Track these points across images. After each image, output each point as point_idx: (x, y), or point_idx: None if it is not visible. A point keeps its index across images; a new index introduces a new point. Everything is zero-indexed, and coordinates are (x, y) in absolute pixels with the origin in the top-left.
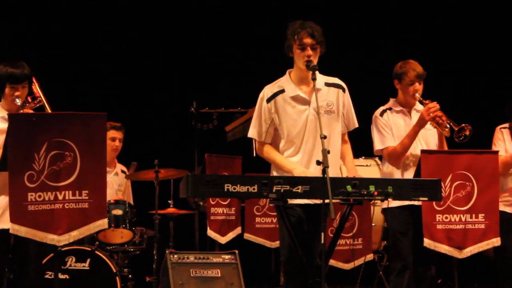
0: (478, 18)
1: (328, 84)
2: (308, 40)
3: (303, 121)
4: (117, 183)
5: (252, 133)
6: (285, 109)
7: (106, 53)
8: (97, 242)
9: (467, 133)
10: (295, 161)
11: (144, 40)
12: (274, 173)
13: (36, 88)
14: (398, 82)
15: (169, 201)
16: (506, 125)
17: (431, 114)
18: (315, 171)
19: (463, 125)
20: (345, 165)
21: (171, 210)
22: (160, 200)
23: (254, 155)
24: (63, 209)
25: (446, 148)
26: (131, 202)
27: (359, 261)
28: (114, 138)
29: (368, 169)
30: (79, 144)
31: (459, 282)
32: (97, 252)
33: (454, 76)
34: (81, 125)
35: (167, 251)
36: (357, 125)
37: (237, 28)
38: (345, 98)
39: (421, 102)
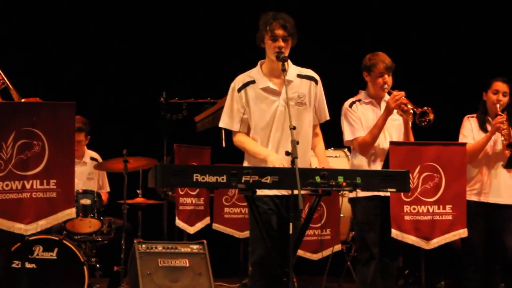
0: (449, 11)
1: (300, 76)
2: (280, 32)
3: (272, 112)
4: (86, 172)
5: (224, 123)
6: (255, 100)
7: (74, 41)
8: (65, 232)
9: (431, 117)
10: None
11: (113, 28)
12: (246, 164)
13: None
14: (367, 74)
15: (138, 191)
16: (474, 115)
17: (396, 102)
18: (286, 161)
19: (425, 108)
20: (316, 156)
21: (139, 200)
22: (128, 190)
23: (224, 145)
24: (31, 198)
25: (412, 136)
26: (107, 189)
27: (327, 252)
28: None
29: (337, 160)
30: (47, 133)
31: (426, 273)
32: (64, 242)
33: (426, 69)
34: (50, 114)
35: (135, 241)
36: (328, 118)
37: (207, 19)
38: (318, 90)
39: (389, 94)
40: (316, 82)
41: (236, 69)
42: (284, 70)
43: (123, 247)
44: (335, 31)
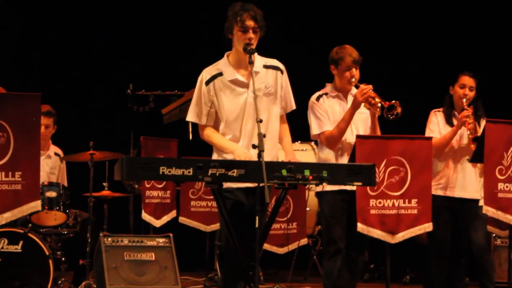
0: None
1: (266, 66)
2: (250, 23)
3: (242, 104)
4: (49, 165)
5: (191, 116)
6: (223, 92)
7: (41, 33)
8: (30, 225)
9: (399, 110)
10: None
11: (80, 20)
12: (215, 156)
13: None
14: (334, 67)
15: (104, 184)
16: (441, 109)
17: (364, 95)
18: (254, 153)
19: (393, 102)
20: (283, 149)
21: (105, 192)
22: (94, 182)
23: (191, 138)
24: None
25: (378, 130)
26: (65, 183)
27: (293, 246)
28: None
29: (304, 153)
30: (12, 125)
31: (391, 267)
32: (30, 235)
33: (393, 63)
34: (15, 106)
35: (101, 234)
36: (294, 107)
37: (174, 11)
38: (283, 80)
39: (357, 87)
40: (282, 71)
41: (204, 61)
42: (251, 63)
43: (89, 240)
44: (302, 23)
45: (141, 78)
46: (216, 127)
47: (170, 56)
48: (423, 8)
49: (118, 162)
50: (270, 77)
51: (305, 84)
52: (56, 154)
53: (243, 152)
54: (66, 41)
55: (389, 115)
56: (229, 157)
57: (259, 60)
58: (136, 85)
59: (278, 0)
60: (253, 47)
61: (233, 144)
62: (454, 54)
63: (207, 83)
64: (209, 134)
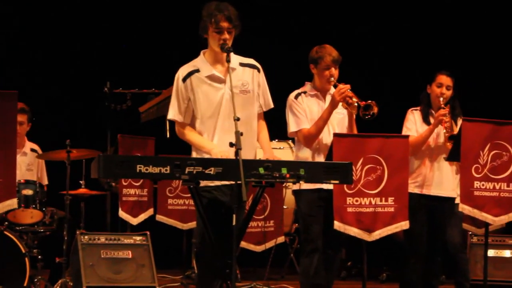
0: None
1: (242, 64)
2: (225, 24)
3: (219, 100)
4: (25, 162)
5: (171, 114)
6: (200, 88)
7: (15, 29)
8: (6, 222)
9: (375, 110)
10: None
11: (57, 17)
12: (194, 155)
13: None
14: (314, 66)
15: (81, 182)
16: (418, 108)
17: (342, 95)
18: (232, 152)
19: (370, 102)
20: (261, 147)
21: (82, 190)
22: (71, 180)
23: (168, 136)
24: None
25: (355, 129)
26: (45, 182)
27: (270, 243)
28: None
29: (281, 151)
30: None
31: (368, 264)
32: (6, 233)
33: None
34: None
35: (77, 232)
36: (272, 106)
37: (151, 9)
38: (260, 78)
39: (335, 87)
40: (258, 70)
41: (181, 59)
42: (228, 61)
43: (65, 238)
44: (281, 22)
45: (119, 76)
46: (192, 124)
47: (148, 54)
48: (400, 7)
49: (95, 160)
50: (247, 75)
51: (282, 82)
52: (32, 150)
53: (220, 151)
54: (42, 38)
55: (365, 115)
56: (207, 156)
57: (235, 58)
58: (113, 83)
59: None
60: (229, 46)
61: (210, 143)
62: (431, 53)
63: (184, 79)
64: (187, 133)
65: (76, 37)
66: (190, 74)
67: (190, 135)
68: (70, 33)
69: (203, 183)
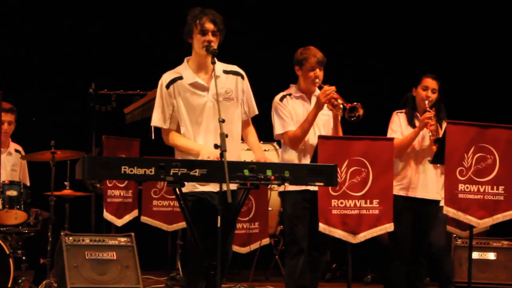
0: (379, 6)
1: (226, 72)
2: (209, 26)
3: (201, 108)
4: (10, 163)
5: (155, 121)
6: (183, 96)
7: (3, 30)
8: None
9: (360, 112)
10: None
11: (42, 18)
12: (179, 157)
13: None
14: (299, 68)
15: (65, 183)
16: (403, 110)
17: (327, 96)
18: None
19: (355, 103)
20: (251, 148)
21: (67, 191)
22: (56, 181)
23: (153, 137)
24: None
25: (340, 131)
26: (27, 183)
27: (255, 245)
28: (3, 121)
29: (266, 153)
30: None
31: (352, 267)
32: None
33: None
34: None
35: (62, 233)
36: (257, 112)
37: (137, 11)
38: (244, 85)
39: (320, 88)
40: (242, 77)
41: (167, 62)
42: (214, 63)
43: (50, 239)
44: (265, 25)
45: (104, 77)
46: (177, 131)
47: (133, 56)
48: (386, 10)
49: (80, 161)
50: (231, 83)
51: (267, 84)
52: (16, 150)
53: (210, 152)
54: (27, 38)
55: (350, 117)
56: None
57: (219, 66)
58: (98, 84)
59: (238, 5)
60: (215, 47)
61: (197, 144)
62: (416, 56)
63: (168, 86)
64: (174, 138)
65: (61, 38)
66: (173, 81)
67: (177, 139)
68: (55, 34)
69: (188, 189)
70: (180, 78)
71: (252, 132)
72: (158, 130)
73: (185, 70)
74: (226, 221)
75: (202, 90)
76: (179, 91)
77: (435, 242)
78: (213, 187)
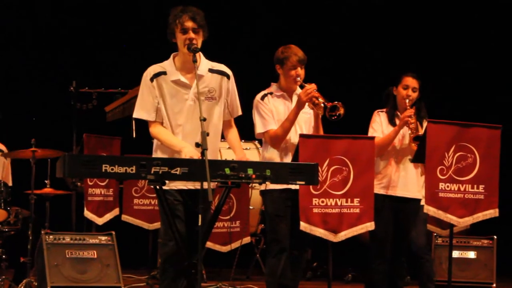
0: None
1: (212, 71)
2: (189, 24)
3: (182, 106)
4: None
5: (139, 113)
6: (165, 92)
7: None
8: None
9: (341, 111)
10: None
11: (24, 16)
12: (159, 153)
13: None
14: (280, 67)
15: (46, 181)
16: (384, 109)
17: (308, 95)
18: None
19: (336, 102)
20: (232, 148)
21: (47, 190)
22: (36, 179)
23: (134, 136)
24: None
25: (321, 130)
26: (9, 183)
27: (236, 244)
28: None
29: (247, 152)
30: None
31: (333, 265)
32: None
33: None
34: None
35: (42, 232)
36: (240, 113)
37: (120, 9)
38: (230, 85)
39: (302, 87)
40: (228, 77)
41: (148, 60)
42: (195, 61)
43: (30, 238)
44: (246, 23)
45: (85, 76)
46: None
47: (114, 54)
48: (367, 9)
49: (60, 159)
50: (215, 82)
51: (248, 83)
52: None
53: (192, 150)
54: (8, 36)
55: (331, 116)
56: (175, 155)
57: (205, 64)
58: (79, 83)
59: (219, 2)
60: (197, 46)
61: (180, 142)
62: (397, 55)
63: (152, 79)
64: (158, 131)
65: (42, 36)
66: (157, 75)
67: (161, 133)
68: (37, 32)
69: (167, 186)
70: (164, 73)
71: (234, 132)
72: (139, 128)
73: (170, 67)
74: (190, 216)
75: (184, 88)
76: (162, 86)
77: (415, 240)
78: (185, 185)
